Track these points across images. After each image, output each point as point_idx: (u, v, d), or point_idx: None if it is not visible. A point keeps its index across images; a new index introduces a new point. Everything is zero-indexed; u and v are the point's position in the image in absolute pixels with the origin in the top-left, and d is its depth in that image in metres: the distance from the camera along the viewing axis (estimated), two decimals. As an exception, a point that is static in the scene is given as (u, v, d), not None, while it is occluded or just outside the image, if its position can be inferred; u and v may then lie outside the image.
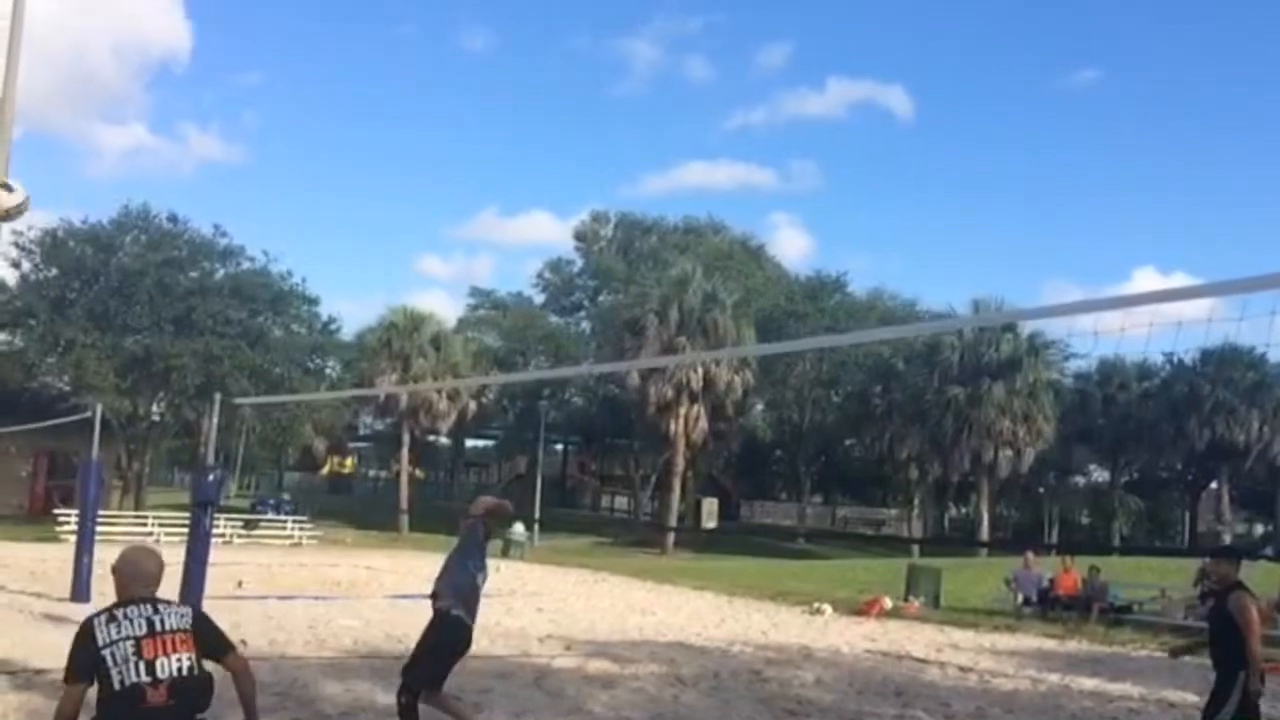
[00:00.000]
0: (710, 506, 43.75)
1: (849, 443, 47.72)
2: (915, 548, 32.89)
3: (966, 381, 37.27)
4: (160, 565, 4.03)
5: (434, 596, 6.50)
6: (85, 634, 3.73)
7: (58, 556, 17.93)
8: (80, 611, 12.67)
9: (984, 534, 38.05)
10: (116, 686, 3.62)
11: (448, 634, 6.33)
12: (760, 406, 47.53)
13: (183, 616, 3.90)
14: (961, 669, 11.49)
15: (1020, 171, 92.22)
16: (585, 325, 53.92)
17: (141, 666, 3.65)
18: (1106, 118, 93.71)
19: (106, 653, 3.64)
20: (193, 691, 3.77)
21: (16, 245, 31.10)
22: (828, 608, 16.75)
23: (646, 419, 37.76)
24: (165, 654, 3.71)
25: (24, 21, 26.92)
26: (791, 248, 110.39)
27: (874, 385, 42.12)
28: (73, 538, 16.00)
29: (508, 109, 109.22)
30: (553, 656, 10.90)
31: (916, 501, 44.21)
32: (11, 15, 25.97)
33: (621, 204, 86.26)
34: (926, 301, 46.95)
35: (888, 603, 16.81)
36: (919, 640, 13.74)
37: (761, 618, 15.87)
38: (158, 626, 3.76)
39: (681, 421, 36.28)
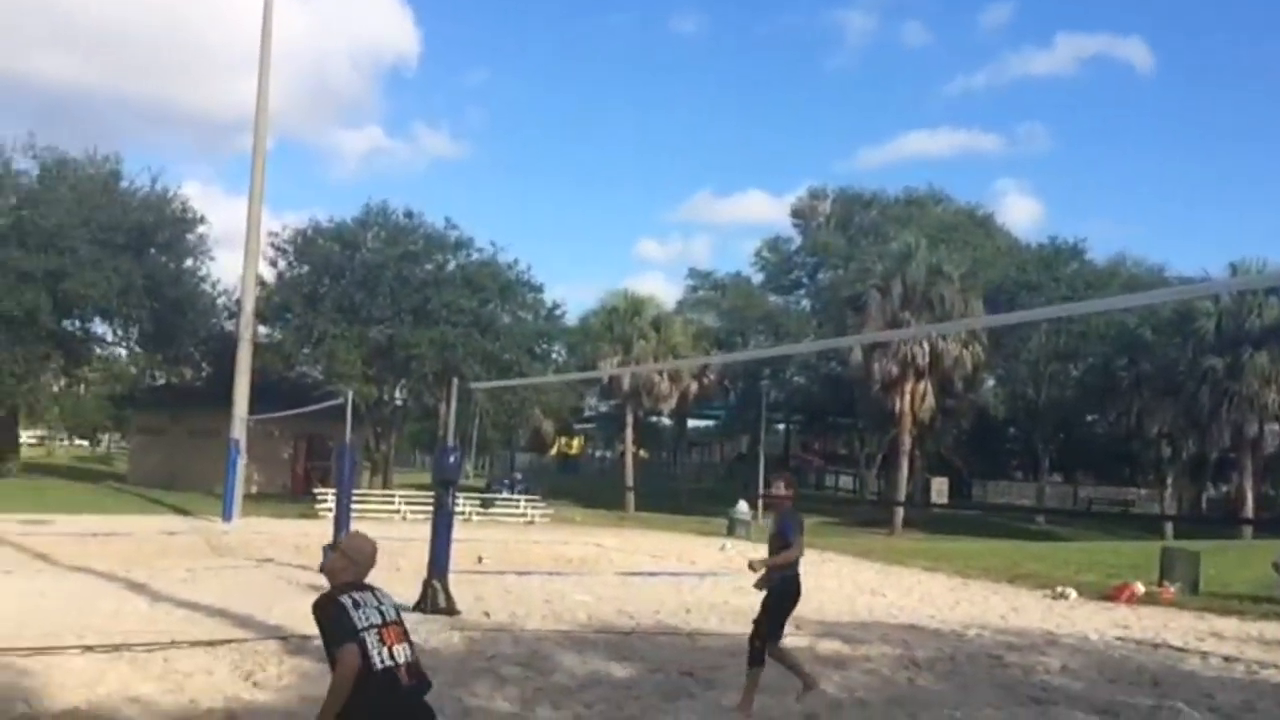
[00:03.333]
0: (940, 485, 42.42)
1: (1090, 418, 45.09)
2: (1168, 529, 30.71)
3: (1225, 351, 34.51)
4: (376, 551, 4.24)
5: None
6: (340, 609, 3.94)
7: (317, 532, 19.26)
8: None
9: (1247, 514, 35.11)
10: (377, 666, 3.86)
11: (781, 588, 7.35)
12: (992, 382, 45.59)
13: (394, 608, 4.14)
14: (1226, 659, 10.58)
15: (1278, 121, 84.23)
16: (805, 303, 53.33)
17: (386, 652, 3.91)
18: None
19: (364, 635, 3.88)
20: (422, 676, 4.05)
21: (273, 246, 33.78)
22: (1072, 592, 15.82)
23: (871, 396, 36.96)
24: (397, 642, 3.99)
25: (272, 43, 28.88)
26: (1021, 215, 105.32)
27: (1118, 357, 39.66)
28: (330, 515, 17.17)
29: (720, 90, 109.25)
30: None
31: (1169, 480, 41.26)
32: (261, 39, 28.02)
33: (838, 179, 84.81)
34: (1175, 266, 43.79)
35: (1140, 588, 15.69)
36: (1176, 628, 12.75)
37: (999, 601, 15.18)
38: (388, 616, 4.03)
39: (907, 398, 35.27)
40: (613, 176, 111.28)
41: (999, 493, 51.97)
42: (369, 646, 3.87)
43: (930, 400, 35.59)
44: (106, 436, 77.27)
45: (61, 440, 76.41)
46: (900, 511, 35.98)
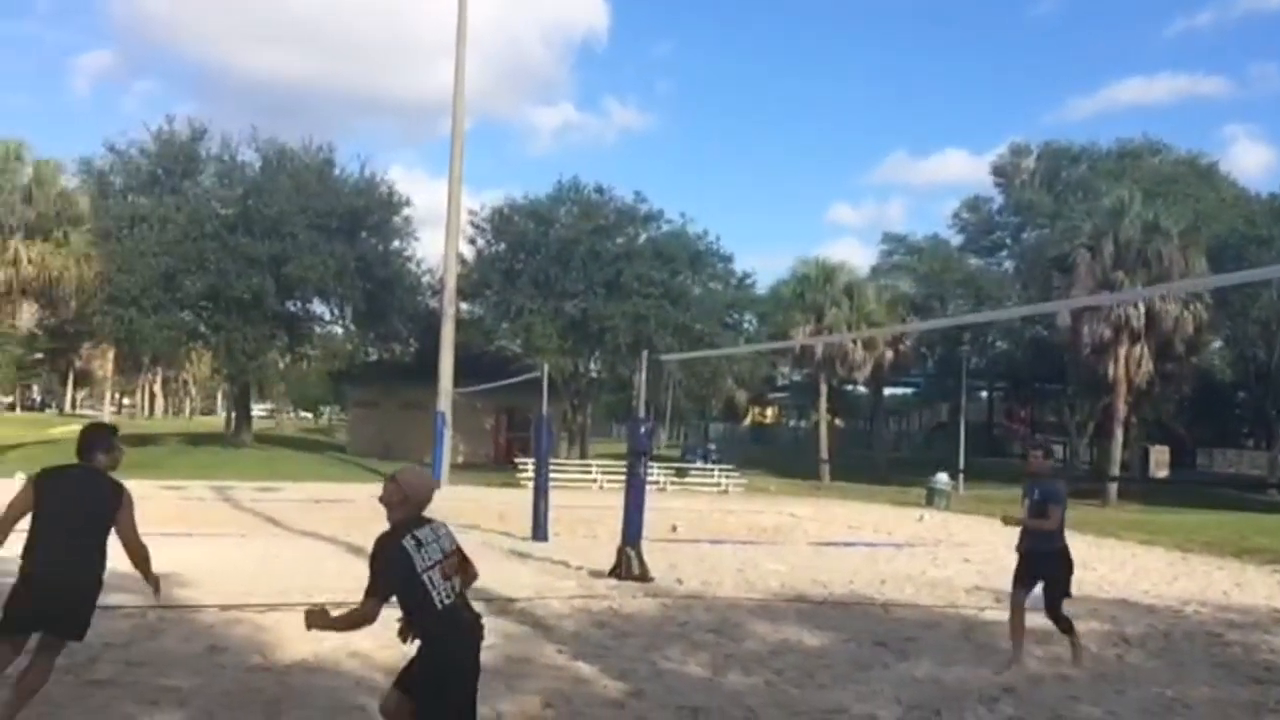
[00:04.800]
0: (1160, 455, 39.98)
1: (1331, 381, 41.35)
2: None
3: None
4: (434, 488, 4.40)
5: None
6: (401, 560, 4.06)
7: (519, 500, 20.02)
8: (540, 550, 14.15)
9: None
10: (439, 606, 4.06)
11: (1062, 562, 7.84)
12: (1218, 344, 42.48)
13: (450, 536, 4.29)
14: None
15: None
16: (1007, 265, 51.16)
17: (447, 588, 4.11)
18: None
19: (425, 577, 4.05)
20: (476, 611, 4.29)
21: (472, 225, 35.19)
22: (1307, 568, 14.67)
23: (1081, 361, 35.11)
24: (455, 574, 4.17)
25: (467, 26, 29.87)
26: (1251, 163, 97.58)
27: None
28: (530, 484, 17.77)
29: (915, 46, 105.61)
30: (981, 608, 10.50)
31: None
32: (457, 23, 28.96)
33: (1043, 133, 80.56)
34: None
35: (1387, 565, 14.38)
36: None
37: (1223, 576, 14.22)
38: (446, 547, 4.20)
39: (1121, 363, 33.29)
40: (803, 142, 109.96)
41: (1227, 462, 48.47)
42: (430, 587, 4.05)
43: (1147, 365, 33.45)
44: (327, 409, 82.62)
45: (288, 413, 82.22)
46: (1114, 482, 34.13)
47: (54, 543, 5.00)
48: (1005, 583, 12.06)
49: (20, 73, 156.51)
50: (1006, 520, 8.02)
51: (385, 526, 4.23)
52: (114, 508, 5.13)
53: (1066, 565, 7.78)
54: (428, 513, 4.30)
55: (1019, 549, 7.84)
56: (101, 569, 5.22)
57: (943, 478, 27.67)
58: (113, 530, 5.19)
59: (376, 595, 4.07)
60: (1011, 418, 57.63)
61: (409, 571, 4.03)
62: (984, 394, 56.88)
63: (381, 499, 4.25)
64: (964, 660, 7.99)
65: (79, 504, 5.09)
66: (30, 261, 26.80)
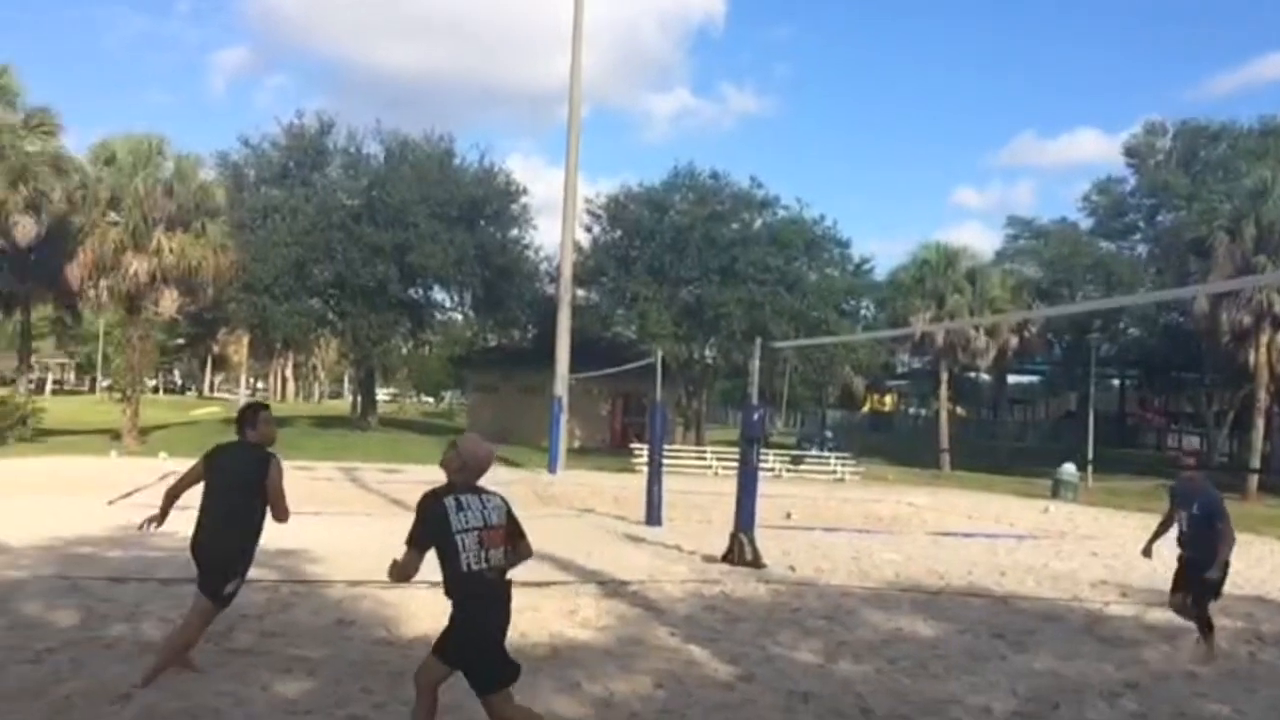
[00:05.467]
0: (1308, 447, 37.92)
1: None
2: None
3: None
4: (491, 459, 4.56)
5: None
6: (438, 515, 4.34)
7: (634, 485, 20.21)
8: (654, 534, 14.29)
9: None
10: (464, 568, 4.28)
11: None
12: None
13: (500, 511, 4.47)
14: None
15: None
16: (1140, 249, 49.16)
17: (483, 555, 4.31)
18: None
19: (459, 538, 4.29)
20: (507, 577, 4.47)
21: (589, 212, 35.56)
22: None
23: (1219, 349, 33.54)
24: (496, 546, 4.37)
25: (584, 15, 30.06)
26: None
27: None
28: (645, 469, 17.92)
29: (1043, 23, 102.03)
30: (1106, 603, 10.20)
31: None
32: (574, 12, 29.18)
33: (1180, 110, 76.97)
34: None
35: None
36: None
37: (1371, 576, 13.47)
38: (491, 520, 4.39)
39: (1263, 351, 31.68)
40: (926, 123, 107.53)
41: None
42: (461, 548, 4.28)
43: (1292, 352, 31.79)
44: (448, 394, 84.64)
45: (410, 397, 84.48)
46: (1255, 475, 32.54)
47: (209, 510, 5.73)
48: (1133, 577, 11.79)
49: (162, 70, 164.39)
50: (1148, 553, 8.37)
51: (518, 510, 4.51)
52: (261, 475, 5.71)
53: (1224, 570, 7.78)
54: (485, 482, 4.60)
55: (1181, 557, 7.91)
56: (247, 539, 5.78)
57: (1070, 468, 26.84)
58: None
59: (414, 545, 4.38)
60: (1145, 407, 55.46)
61: (443, 526, 4.31)
62: (1115, 382, 54.83)
63: (441, 463, 4.54)
64: (1086, 654, 7.79)
65: (230, 474, 5.75)
66: (171, 252, 28.09)
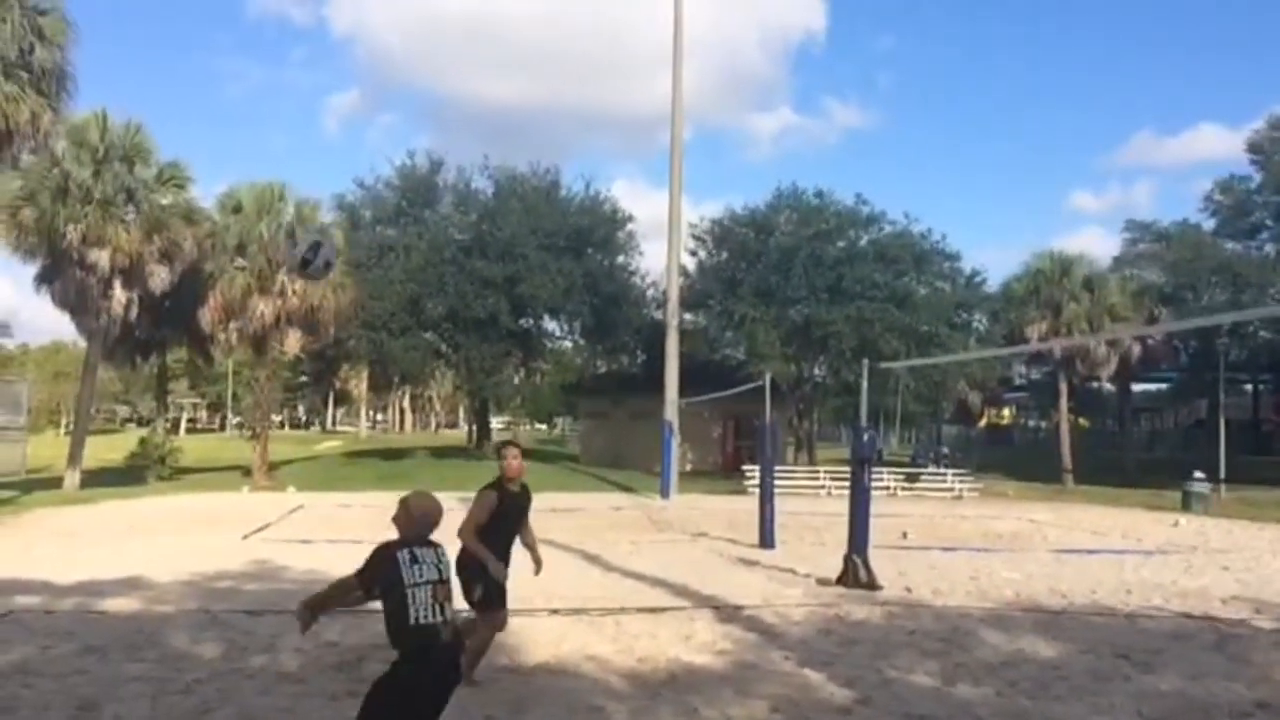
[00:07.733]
0: None
1: None
2: None
3: None
4: (441, 514, 4.55)
5: None
6: (390, 562, 4.27)
7: (746, 508, 20.24)
8: (767, 557, 14.32)
9: None
10: (412, 621, 4.18)
11: None
12: None
13: (449, 567, 4.48)
14: None
15: None
16: (1269, 249, 47.04)
17: (435, 610, 4.23)
18: None
19: (410, 591, 4.21)
20: (458, 635, 4.44)
21: (693, 236, 35.80)
22: None
23: (1358, 350, 31.95)
24: (449, 600, 4.33)
25: (684, 38, 30.27)
26: None
27: None
28: (757, 491, 17.95)
29: (1156, 16, 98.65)
30: (1239, 620, 9.86)
31: None
32: (674, 35, 29.47)
33: (1307, 100, 73.26)
34: None
35: None
36: None
37: None
38: (444, 574, 4.37)
39: None
40: (1037, 127, 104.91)
41: None
42: (410, 600, 4.19)
43: None
44: (561, 420, 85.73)
45: (523, 424, 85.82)
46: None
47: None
48: (1268, 592, 11.39)
49: (280, 115, 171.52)
50: None
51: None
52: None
53: None
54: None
55: None
56: (464, 562, 6.78)
57: (1201, 479, 25.82)
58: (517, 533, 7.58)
59: (362, 585, 4.36)
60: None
61: (395, 579, 4.25)
62: (1248, 387, 52.45)
63: (393, 519, 4.55)
64: (1215, 674, 7.58)
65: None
66: (294, 293, 29.34)
